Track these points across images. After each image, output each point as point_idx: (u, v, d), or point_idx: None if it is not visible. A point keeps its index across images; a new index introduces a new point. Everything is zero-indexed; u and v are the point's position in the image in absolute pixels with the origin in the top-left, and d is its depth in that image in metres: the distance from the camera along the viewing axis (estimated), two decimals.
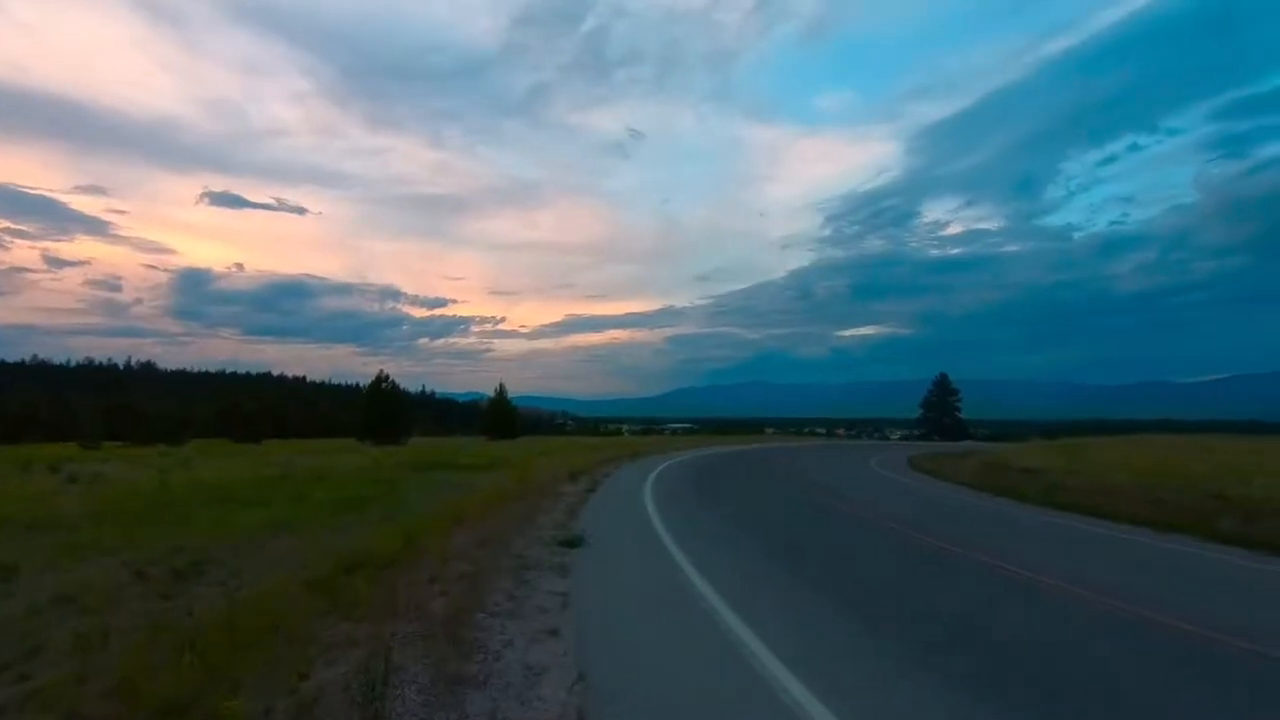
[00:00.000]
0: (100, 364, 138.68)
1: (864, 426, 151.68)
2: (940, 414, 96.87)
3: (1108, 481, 16.76)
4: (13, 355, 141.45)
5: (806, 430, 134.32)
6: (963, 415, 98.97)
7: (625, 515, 10.68)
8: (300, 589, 5.63)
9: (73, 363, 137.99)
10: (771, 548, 8.36)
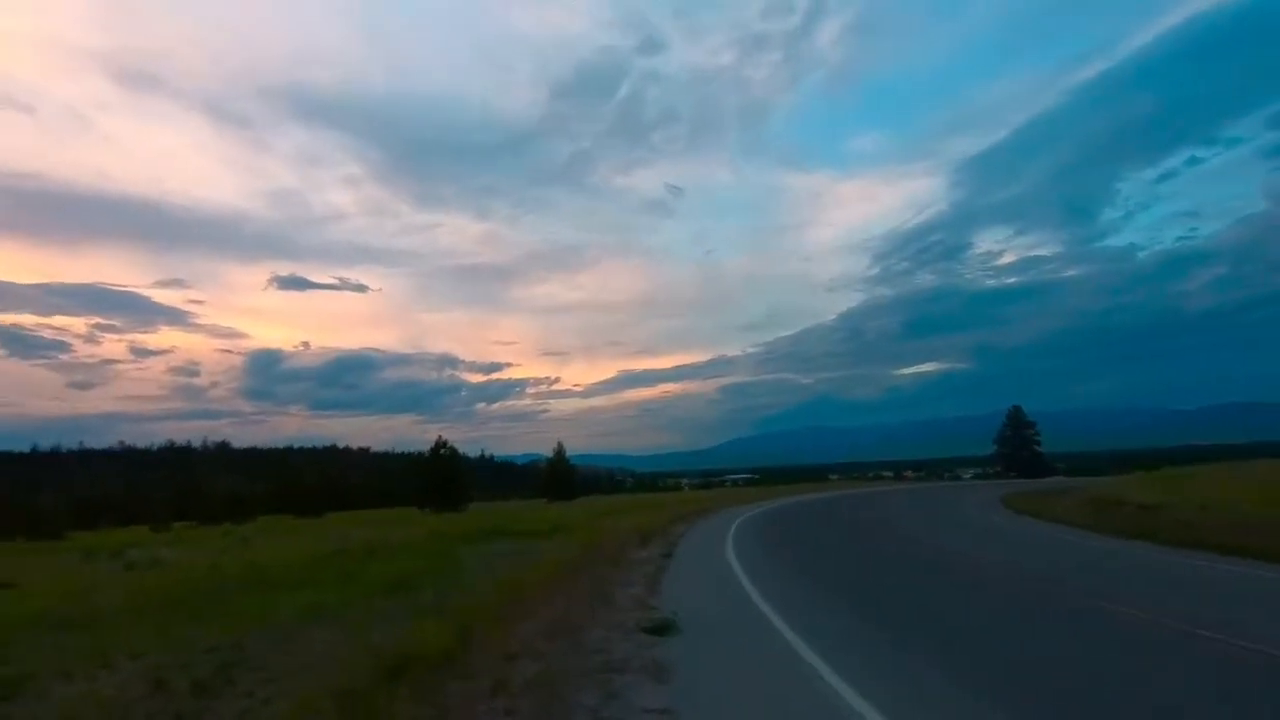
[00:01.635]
0: (179, 446, 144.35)
1: (932, 467, 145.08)
2: (1016, 449, 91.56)
3: (1241, 516, 14.62)
4: (101, 443, 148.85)
5: (871, 474, 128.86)
6: (1041, 449, 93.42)
7: (715, 587, 9.26)
8: (330, 708, 4.53)
9: (155, 447, 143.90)
10: (901, 623, 6.83)
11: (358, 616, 8.08)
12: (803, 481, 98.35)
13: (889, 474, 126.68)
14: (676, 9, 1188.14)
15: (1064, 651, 5.55)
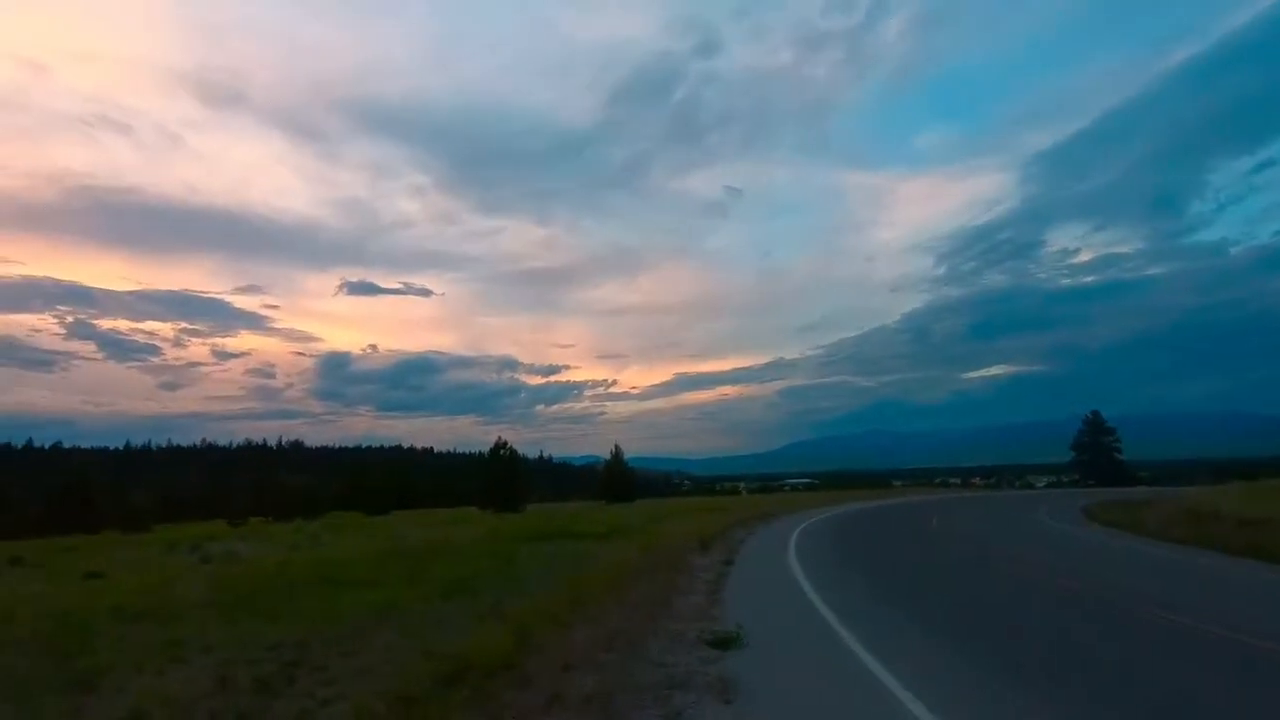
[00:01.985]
0: (256, 444, 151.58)
1: (1002, 474, 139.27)
2: (1095, 456, 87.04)
3: None
4: (187, 440, 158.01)
5: (937, 481, 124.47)
6: (1122, 456, 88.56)
7: (780, 598, 8.82)
8: (386, 714, 4.44)
9: (234, 444, 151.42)
10: (990, 647, 6.24)
11: (418, 618, 8.11)
12: (864, 487, 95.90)
13: (956, 481, 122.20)
14: (734, 9, 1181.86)
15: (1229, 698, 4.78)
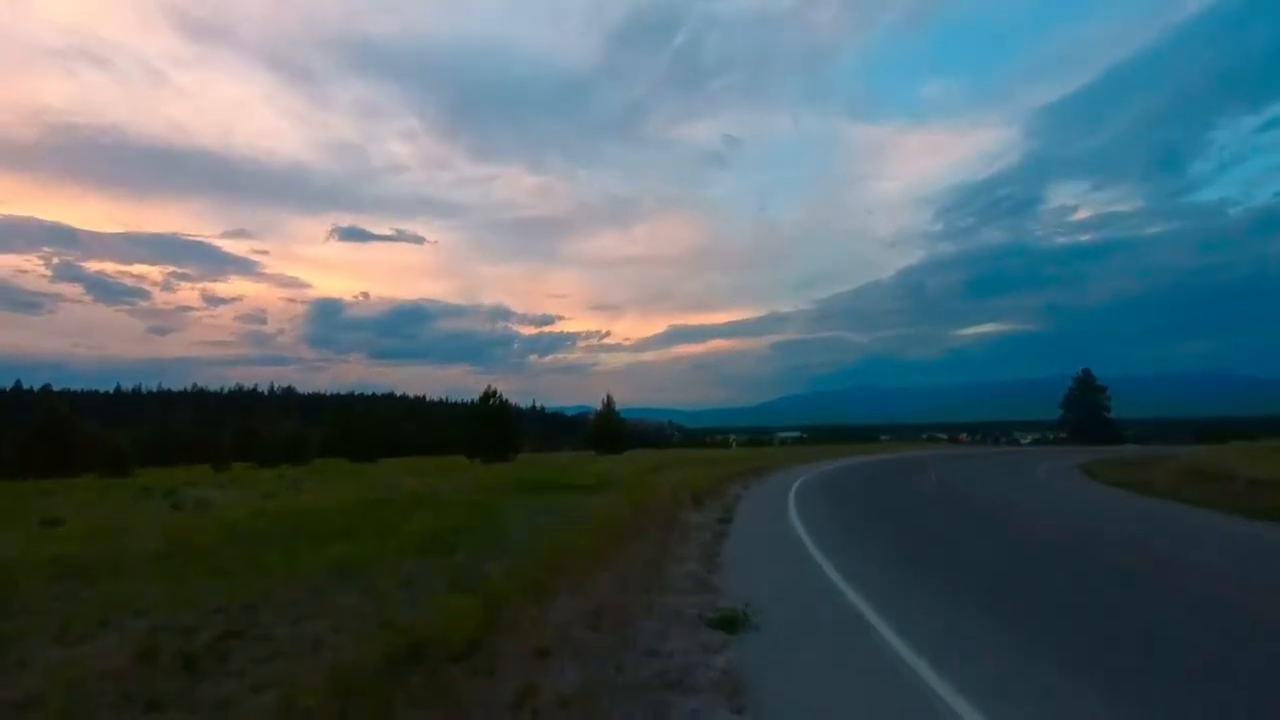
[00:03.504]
0: (248, 390, 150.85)
1: (988, 430, 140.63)
2: (1084, 414, 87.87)
3: None
4: (178, 384, 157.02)
5: (925, 436, 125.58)
6: (1110, 415, 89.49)
7: (787, 564, 7.93)
8: (329, 700, 3.65)
9: (225, 390, 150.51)
10: (1036, 625, 5.32)
11: (387, 578, 7.35)
12: (853, 442, 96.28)
13: (943, 436, 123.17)
14: None
15: None
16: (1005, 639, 4.96)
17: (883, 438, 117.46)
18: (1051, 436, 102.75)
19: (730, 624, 4.95)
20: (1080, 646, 4.80)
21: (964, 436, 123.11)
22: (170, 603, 6.52)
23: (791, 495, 16.15)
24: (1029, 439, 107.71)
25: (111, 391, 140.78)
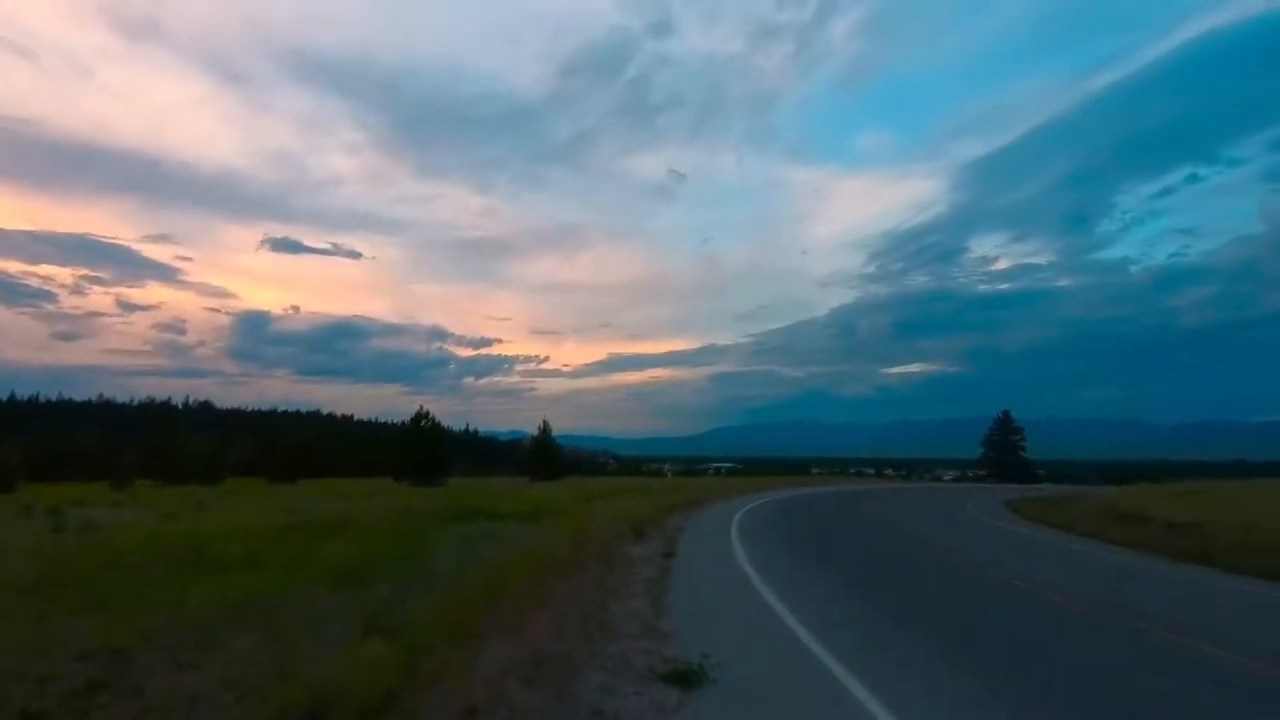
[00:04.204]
0: (159, 402, 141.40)
1: (913, 467, 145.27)
2: (1002, 453, 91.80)
3: None
4: (82, 395, 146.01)
5: (853, 470, 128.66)
6: (1026, 455, 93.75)
7: (738, 604, 7.40)
8: None
9: (135, 402, 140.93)
10: (1000, 669, 5.17)
11: (294, 616, 6.52)
12: (785, 474, 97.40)
13: (870, 471, 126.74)
14: None
15: None
16: (1001, 700, 4.58)
17: (814, 471, 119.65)
18: (971, 474, 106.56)
19: (685, 679, 4.36)
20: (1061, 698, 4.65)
21: (889, 472, 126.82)
22: (27, 645, 5.55)
23: (734, 528, 15.77)
24: (949, 476, 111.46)
25: (4, 399, 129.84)
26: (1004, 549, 14.71)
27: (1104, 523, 18.15)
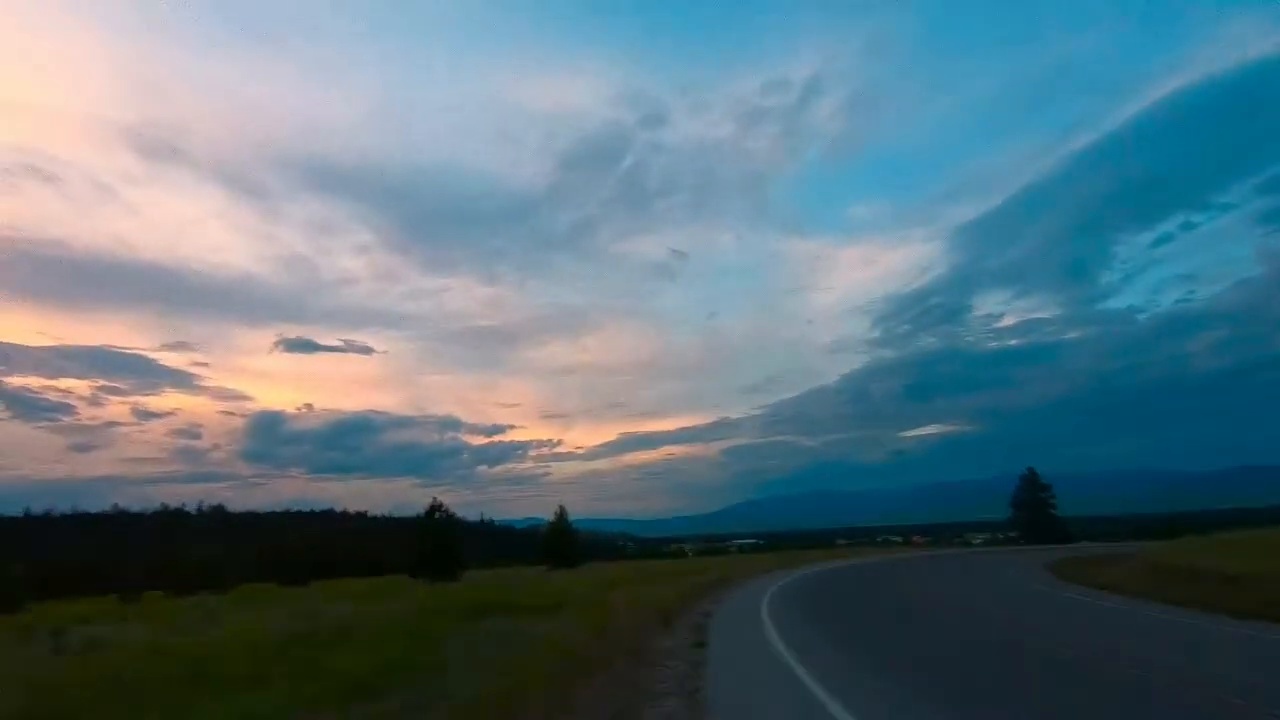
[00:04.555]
0: (172, 510, 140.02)
1: (939, 531, 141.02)
2: (1033, 513, 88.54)
3: None
4: (97, 506, 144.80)
5: (879, 540, 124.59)
6: (1056, 512, 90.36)
7: (785, 704, 6.55)
8: None
9: (148, 510, 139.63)
10: None
11: None
12: (811, 548, 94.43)
13: (898, 539, 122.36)
14: (679, 85, 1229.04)
15: None
16: None
17: (839, 542, 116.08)
18: (1002, 536, 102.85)
19: None
20: None
21: (917, 538, 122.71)
22: None
23: (765, 610, 14.83)
24: (979, 539, 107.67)
25: (20, 515, 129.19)
26: (1063, 619, 13.76)
27: (1154, 581, 17.14)
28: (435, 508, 45.71)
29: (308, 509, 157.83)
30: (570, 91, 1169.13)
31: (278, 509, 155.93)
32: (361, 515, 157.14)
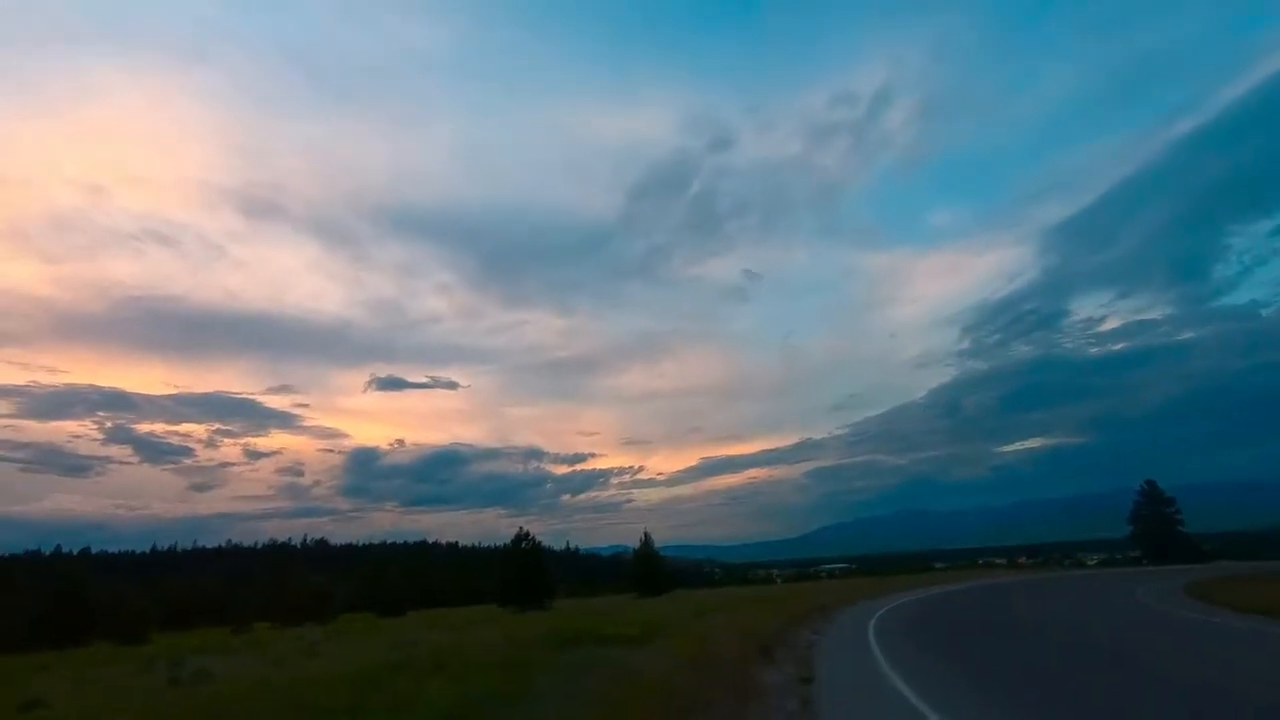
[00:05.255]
0: (280, 544, 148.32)
1: (1049, 552, 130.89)
2: (1156, 528, 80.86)
3: None
4: (213, 541, 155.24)
5: (981, 562, 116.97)
6: (1184, 528, 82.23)
7: None
8: None
9: (259, 545, 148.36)
10: None
11: None
12: (906, 571, 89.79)
13: (1001, 561, 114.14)
14: (745, 107, 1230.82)
15: None
16: None
17: (937, 565, 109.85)
18: (1121, 556, 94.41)
19: None
20: None
21: (1023, 560, 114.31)
22: None
23: (873, 640, 13.74)
24: (1094, 560, 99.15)
25: (147, 551, 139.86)
26: (1179, 635, 12.12)
27: None
28: (522, 537, 46.10)
29: (402, 540, 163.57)
30: (637, 122, 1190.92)
31: (374, 541, 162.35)
32: (453, 546, 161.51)
